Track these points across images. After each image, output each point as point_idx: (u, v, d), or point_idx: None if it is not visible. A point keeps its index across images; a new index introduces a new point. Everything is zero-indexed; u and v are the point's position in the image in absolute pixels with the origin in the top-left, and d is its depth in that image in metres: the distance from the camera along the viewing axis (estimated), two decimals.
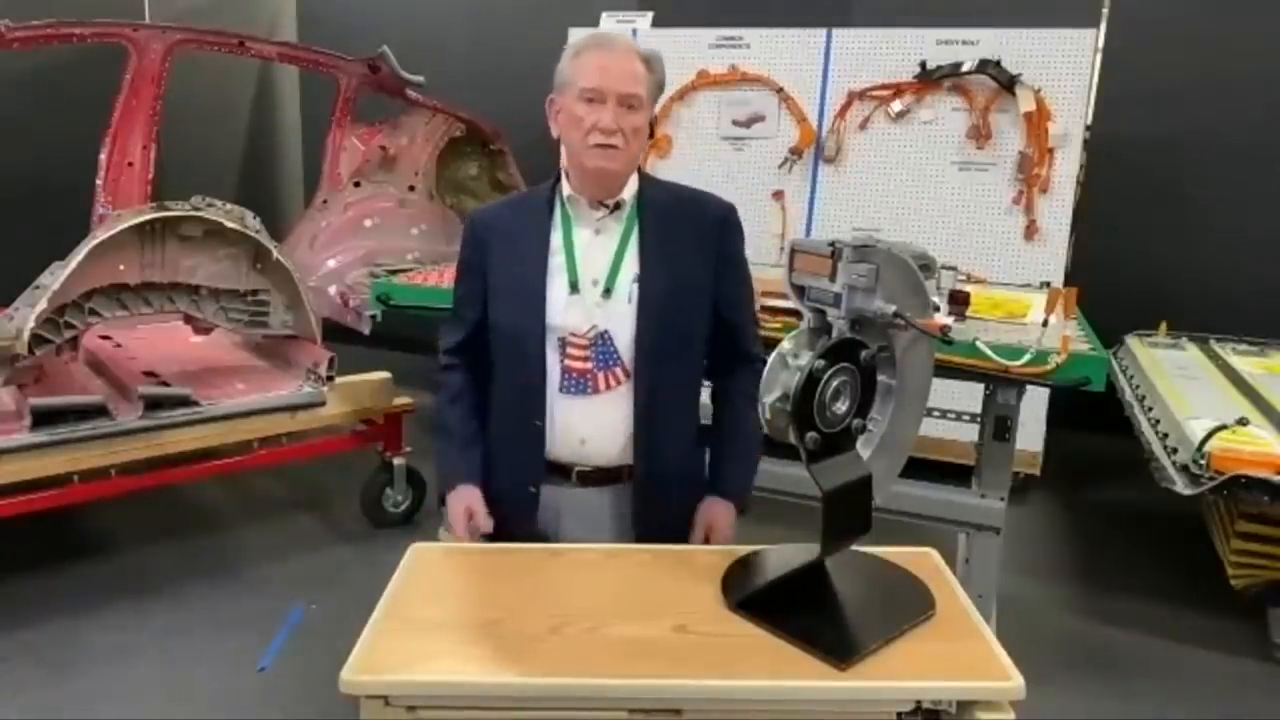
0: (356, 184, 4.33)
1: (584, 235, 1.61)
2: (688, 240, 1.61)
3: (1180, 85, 4.09)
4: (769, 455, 2.38)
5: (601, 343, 1.58)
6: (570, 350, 1.58)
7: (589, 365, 1.58)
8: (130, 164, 3.54)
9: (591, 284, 1.58)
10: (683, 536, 1.67)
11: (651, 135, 1.63)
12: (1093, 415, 3.44)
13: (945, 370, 2.13)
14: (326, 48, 4.16)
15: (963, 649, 1.20)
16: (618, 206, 1.60)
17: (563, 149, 1.61)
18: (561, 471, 1.63)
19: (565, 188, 1.62)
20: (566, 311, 1.58)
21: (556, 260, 1.59)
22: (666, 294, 1.58)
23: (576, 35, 1.66)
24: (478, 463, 1.69)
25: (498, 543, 1.61)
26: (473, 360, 1.71)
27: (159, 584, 2.88)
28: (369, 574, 2.58)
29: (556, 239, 1.60)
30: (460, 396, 1.72)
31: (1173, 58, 4.08)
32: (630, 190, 1.61)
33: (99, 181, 3.49)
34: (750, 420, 1.55)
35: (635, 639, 1.20)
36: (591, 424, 1.60)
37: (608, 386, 1.58)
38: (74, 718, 2.28)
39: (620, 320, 1.58)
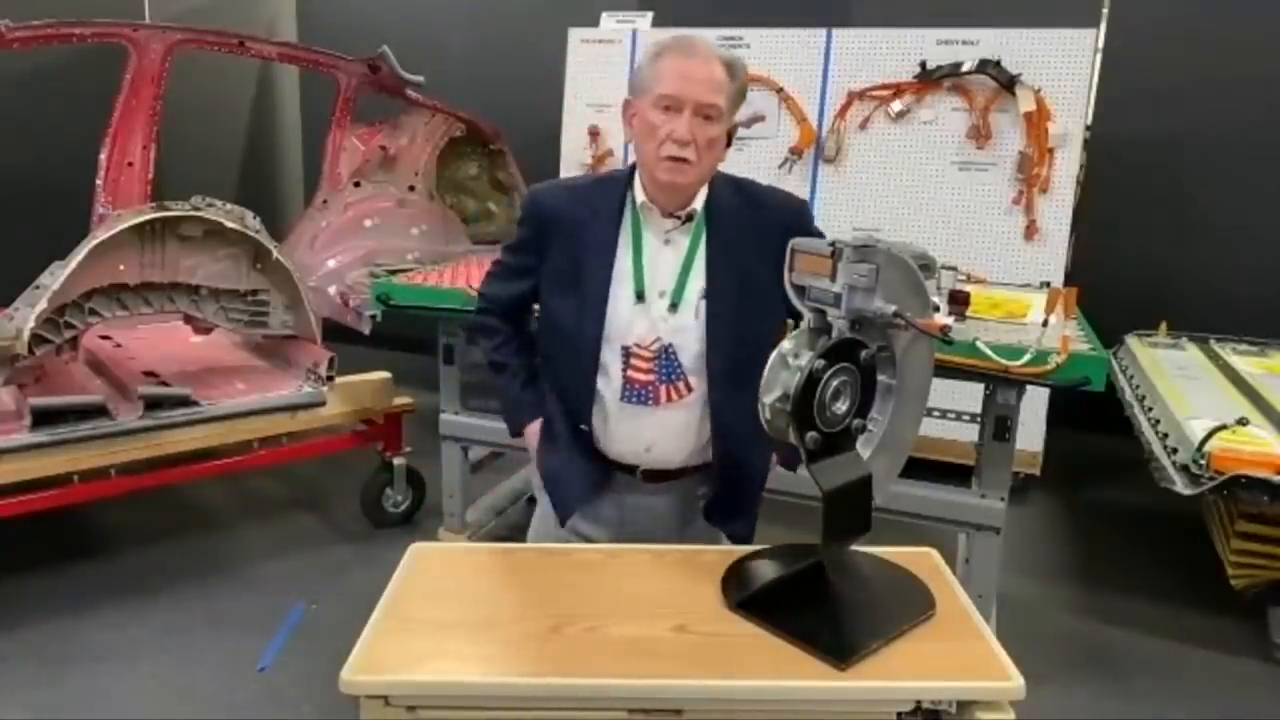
0: (356, 184, 4.32)
1: (653, 244, 1.58)
2: (755, 247, 1.56)
3: (1180, 85, 4.09)
4: None
5: (665, 356, 1.57)
6: (634, 361, 1.57)
7: (652, 377, 1.57)
8: (130, 164, 3.54)
9: (658, 295, 1.56)
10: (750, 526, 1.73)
11: (729, 143, 1.60)
12: (1093, 415, 3.44)
13: (945, 370, 2.14)
14: (326, 48, 4.16)
15: (963, 649, 1.20)
16: (689, 218, 1.58)
17: (634, 153, 1.59)
18: (627, 470, 1.65)
19: (639, 194, 1.58)
20: (632, 321, 1.56)
21: (623, 265, 1.57)
22: (736, 309, 1.56)
23: (661, 36, 1.61)
24: (540, 398, 1.73)
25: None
26: (513, 321, 1.75)
27: (159, 584, 2.88)
28: (369, 574, 2.59)
29: (625, 244, 1.58)
30: (508, 338, 1.75)
31: (1173, 58, 4.07)
32: (700, 199, 1.58)
33: (99, 181, 3.49)
34: None
35: (635, 639, 1.20)
36: (656, 433, 1.60)
37: (669, 399, 1.57)
38: (73, 717, 2.28)
39: (686, 334, 1.56)
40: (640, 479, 1.64)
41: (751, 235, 1.58)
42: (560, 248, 1.60)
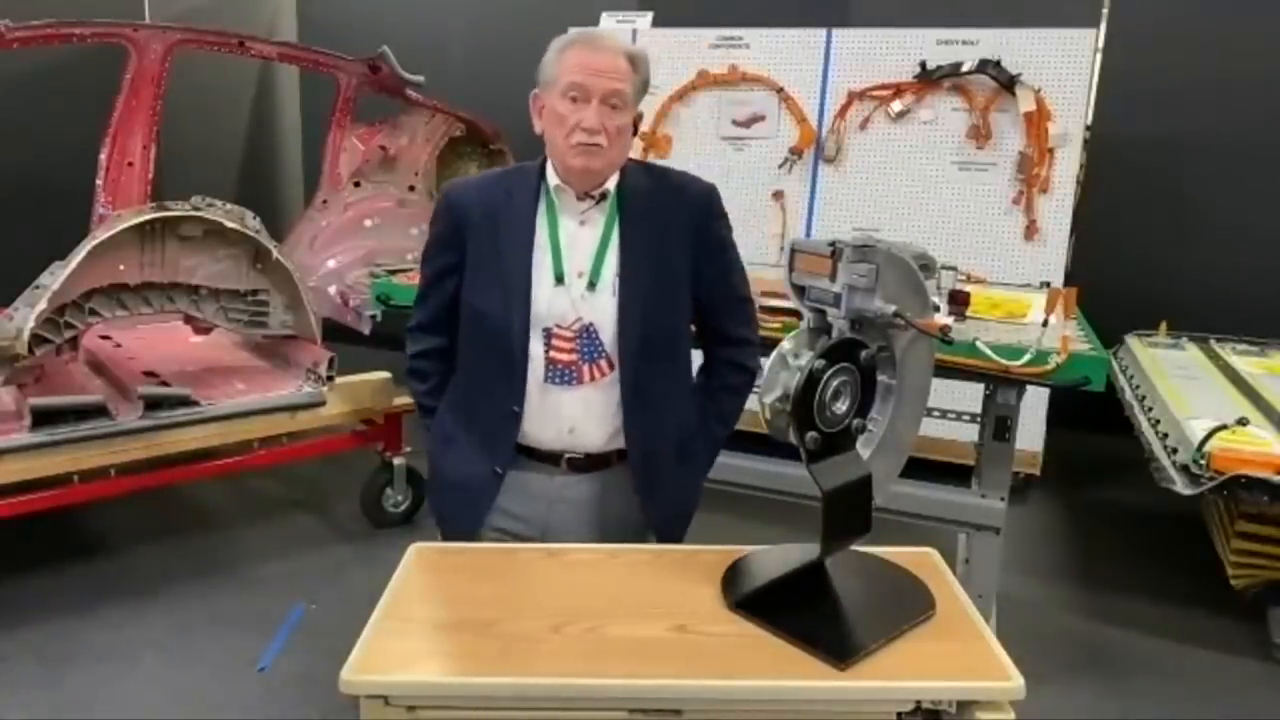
0: (356, 184, 4.32)
1: (569, 226, 1.61)
2: (667, 229, 1.61)
3: (1180, 85, 4.09)
4: (769, 455, 2.39)
5: (586, 335, 1.58)
6: (555, 342, 1.58)
7: (574, 357, 1.59)
8: (130, 164, 3.54)
9: (576, 276, 1.59)
10: (675, 517, 1.72)
11: (635, 133, 1.63)
12: (1093, 415, 3.44)
13: (945, 370, 2.13)
14: (326, 48, 4.16)
15: (963, 649, 1.20)
16: (603, 197, 1.60)
17: (546, 144, 1.61)
18: (550, 460, 1.64)
19: (552, 177, 1.61)
20: (552, 303, 1.58)
21: (541, 250, 1.59)
22: (647, 287, 1.59)
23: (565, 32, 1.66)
24: None
25: (451, 532, 1.66)
26: (443, 337, 1.72)
27: (159, 583, 2.88)
28: (369, 574, 2.59)
29: (542, 228, 1.60)
30: (441, 381, 1.74)
31: (1173, 58, 4.07)
32: (613, 181, 1.61)
33: (99, 181, 3.49)
34: (715, 423, 1.66)
35: (635, 639, 1.20)
36: (579, 414, 1.61)
37: (592, 378, 1.59)
38: (73, 717, 2.29)
39: (604, 313, 1.59)
40: (566, 469, 1.64)
41: (666, 217, 1.62)
42: (478, 238, 1.61)
